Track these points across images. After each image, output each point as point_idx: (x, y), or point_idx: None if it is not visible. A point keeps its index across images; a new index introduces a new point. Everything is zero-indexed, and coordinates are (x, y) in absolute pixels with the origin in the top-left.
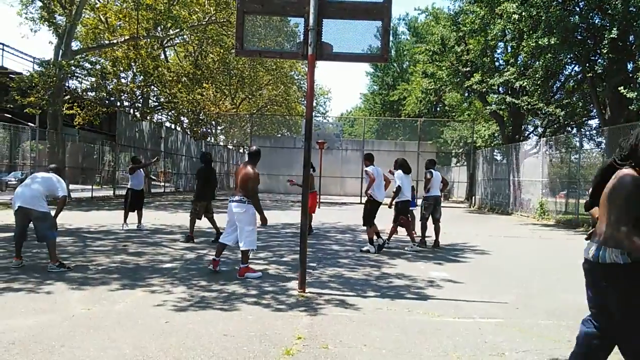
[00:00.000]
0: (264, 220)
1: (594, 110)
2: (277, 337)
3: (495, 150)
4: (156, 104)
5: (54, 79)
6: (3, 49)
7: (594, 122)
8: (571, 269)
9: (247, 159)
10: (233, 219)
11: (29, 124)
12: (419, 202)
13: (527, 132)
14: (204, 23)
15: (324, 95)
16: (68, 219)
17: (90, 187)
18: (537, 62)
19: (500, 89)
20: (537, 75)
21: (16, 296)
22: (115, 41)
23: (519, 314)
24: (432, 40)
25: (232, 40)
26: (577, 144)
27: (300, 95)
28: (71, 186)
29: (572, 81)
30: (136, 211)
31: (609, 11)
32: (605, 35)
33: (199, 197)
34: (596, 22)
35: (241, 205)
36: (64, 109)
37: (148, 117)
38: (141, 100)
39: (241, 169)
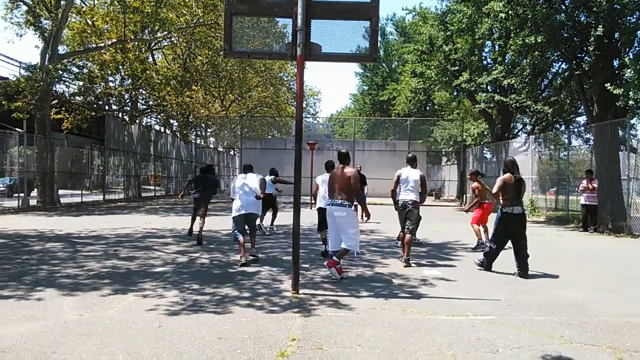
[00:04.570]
0: (368, 214)
1: (582, 107)
2: (271, 339)
3: (485, 149)
4: (145, 107)
5: (41, 83)
6: None
7: (581, 119)
8: (562, 265)
9: (340, 161)
10: (333, 222)
11: (17, 129)
12: None
13: (516, 130)
14: (192, 25)
15: (314, 96)
16: (58, 224)
17: (79, 192)
18: (525, 60)
19: (489, 87)
20: (524, 73)
21: (6, 303)
22: (102, 45)
23: (511, 310)
24: (420, 39)
25: (220, 42)
26: (566, 140)
27: (290, 96)
28: (60, 191)
29: (559, 79)
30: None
31: (594, 9)
32: (591, 33)
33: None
34: (582, 19)
35: (342, 209)
36: (52, 113)
37: (137, 121)
38: (129, 103)
39: (336, 172)
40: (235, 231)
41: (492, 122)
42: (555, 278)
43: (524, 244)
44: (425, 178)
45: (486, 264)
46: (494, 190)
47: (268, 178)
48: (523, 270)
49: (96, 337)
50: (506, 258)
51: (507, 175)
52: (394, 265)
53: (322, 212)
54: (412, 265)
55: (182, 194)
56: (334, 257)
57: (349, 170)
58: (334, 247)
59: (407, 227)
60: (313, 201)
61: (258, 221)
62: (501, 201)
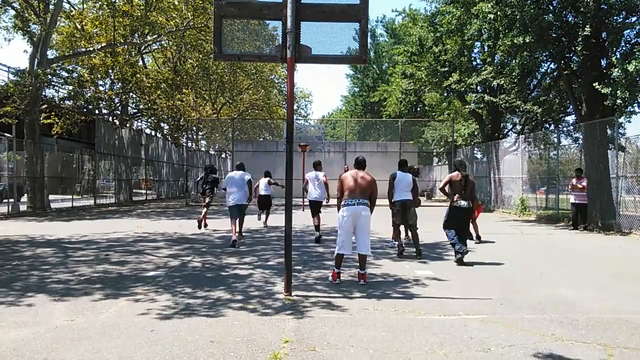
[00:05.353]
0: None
1: (571, 107)
2: (264, 342)
3: (476, 149)
4: (135, 110)
5: (30, 88)
6: None
7: (570, 118)
8: (553, 263)
9: (358, 166)
10: (352, 224)
11: (6, 134)
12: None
13: (506, 130)
14: (181, 28)
15: (305, 98)
16: (49, 229)
17: (70, 196)
18: (514, 61)
19: (479, 87)
20: (513, 74)
21: None
22: (92, 48)
23: (503, 309)
24: (410, 41)
25: (210, 45)
26: (555, 140)
27: (281, 98)
28: (51, 196)
29: (548, 78)
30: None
31: (582, 9)
32: (579, 33)
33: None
34: (570, 20)
35: (367, 209)
36: (41, 118)
37: (127, 125)
38: (120, 107)
39: (357, 174)
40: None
41: (482, 123)
42: (546, 276)
43: (466, 231)
44: (415, 180)
45: (461, 254)
46: (441, 185)
47: (264, 180)
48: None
49: (88, 342)
50: (495, 261)
51: (455, 173)
52: (386, 266)
53: (312, 203)
54: (406, 266)
55: (202, 194)
56: (361, 271)
57: (370, 176)
58: (346, 250)
59: (410, 224)
60: (305, 203)
61: (263, 219)
62: (448, 195)
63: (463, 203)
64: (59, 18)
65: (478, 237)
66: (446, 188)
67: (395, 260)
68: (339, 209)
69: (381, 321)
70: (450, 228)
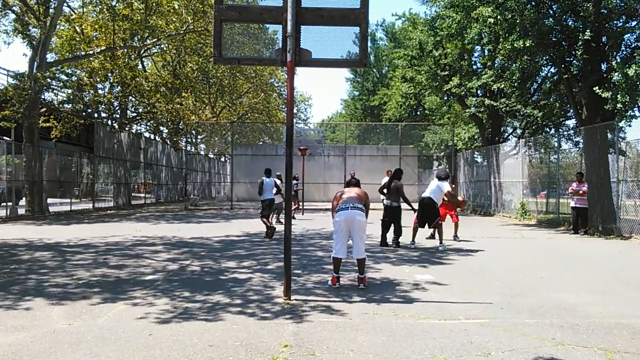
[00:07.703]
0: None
1: (571, 111)
2: (263, 346)
3: (476, 153)
4: (134, 114)
5: (29, 91)
6: None
7: (571, 122)
8: (554, 268)
9: (353, 185)
10: (347, 228)
11: (4, 137)
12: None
13: (507, 134)
14: (181, 32)
15: (305, 102)
16: (47, 233)
17: (68, 200)
18: (514, 65)
19: (479, 91)
20: (514, 78)
21: None
22: (91, 52)
23: (503, 313)
24: (410, 45)
25: (210, 48)
26: (556, 144)
27: (281, 102)
28: (49, 200)
29: (548, 82)
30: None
31: (582, 13)
32: (579, 37)
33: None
34: (570, 24)
35: (362, 214)
36: (40, 121)
37: (126, 128)
38: (119, 111)
39: (351, 190)
40: None
41: (482, 126)
42: (546, 280)
43: (397, 225)
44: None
45: (381, 241)
46: (378, 188)
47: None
48: (396, 242)
49: (86, 346)
50: (496, 265)
51: (387, 179)
52: (386, 269)
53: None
54: (405, 270)
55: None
56: (361, 275)
57: (363, 191)
58: (342, 253)
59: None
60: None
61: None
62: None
63: (388, 202)
64: (58, 22)
65: (432, 236)
66: (384, 190)
67: (395, 264)
68: (333, 217)
69: (381, 325)
70: (385, 225)
